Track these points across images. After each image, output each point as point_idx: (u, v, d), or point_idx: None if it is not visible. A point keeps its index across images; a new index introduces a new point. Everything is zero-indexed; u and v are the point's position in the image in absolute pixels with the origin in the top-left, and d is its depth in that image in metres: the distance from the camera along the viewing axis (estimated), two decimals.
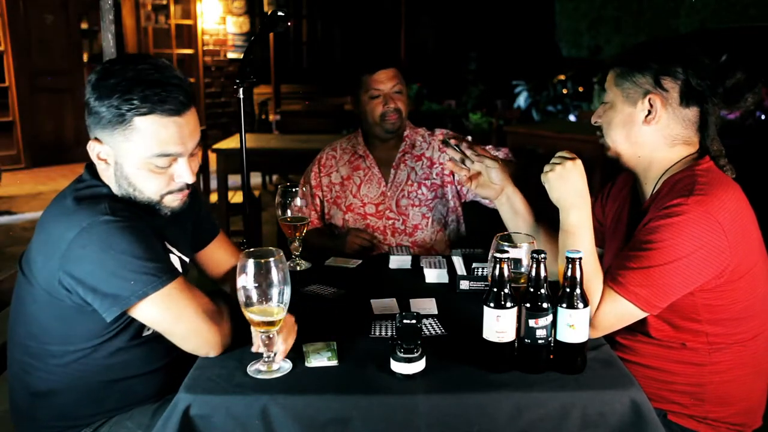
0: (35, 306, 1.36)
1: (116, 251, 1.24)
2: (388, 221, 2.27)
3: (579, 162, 1.45)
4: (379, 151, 2.33)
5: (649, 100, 1.44)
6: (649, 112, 1.45)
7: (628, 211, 1.62)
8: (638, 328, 1.46)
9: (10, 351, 1.46)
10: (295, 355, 1.33)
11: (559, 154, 1.52)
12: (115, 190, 1.37)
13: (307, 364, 1.31)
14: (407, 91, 2.30)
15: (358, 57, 2.30)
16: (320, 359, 1.32)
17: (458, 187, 2.31)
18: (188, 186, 1.38)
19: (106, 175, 1.37)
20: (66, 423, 1.43)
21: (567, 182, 1.41)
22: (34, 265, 1.33)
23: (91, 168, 1.40)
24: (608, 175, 1.62)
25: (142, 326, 1.39)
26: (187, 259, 1.54)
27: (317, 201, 2.34)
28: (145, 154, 1.30)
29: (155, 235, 1.36)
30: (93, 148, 1.34)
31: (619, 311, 1.36)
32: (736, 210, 1.36)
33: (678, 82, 1.42)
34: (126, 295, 1.25)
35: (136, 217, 1.33)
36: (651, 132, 1.46)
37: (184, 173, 1.35)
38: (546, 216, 1.70)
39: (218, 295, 1.48)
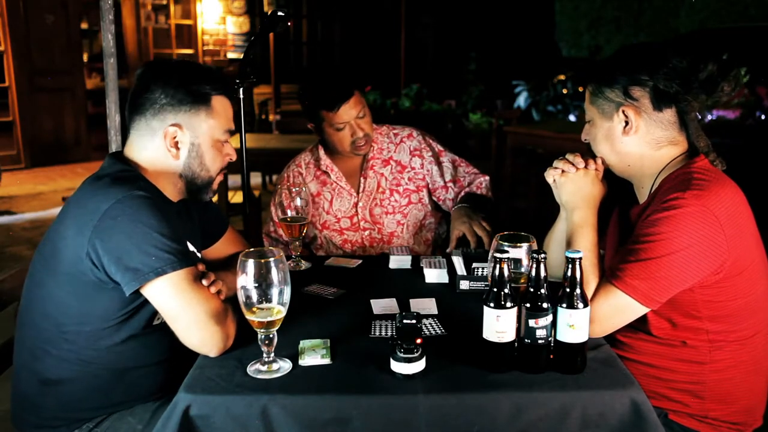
0: (54, 285, 1.40)
1: (144, 224, 1.31)
2: (364, 232, 2.22)
3: (591, 171, 1.53)
4: (343, 163, 2.24)
5: (623, 112, 1.46)
6: (627, 123, 1.47)
7: (627, 214, 1.62)
8: (639, 326, 1.47)
9: (19, 339, 1.49)
10: (293, 353, 1.34)
11: (568, 156, 1.54)
12: (172, 172, 1.49)
13: (301, 362, 1.32)
14: (367, 104, 2.17)
15: (314, 91, 2.15)
16: (314, 357, 1.32)
17: (443, 193, 2.24)
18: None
19: (167, 162, 1.47)
20: (71, 415, 1.45)
21: (577, 188, 1.52)
22: (63, 241, 1.37)
23: (116, 155, 1.49)
24: (608, 176, 1.62)
25: (153, 315, 1.42)
26: (198, 254, 1.58)
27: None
28: (219, 130, 1.50)
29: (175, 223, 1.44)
30: (171, 134, 1.45)
31: (615, 303, 1.37)
32: (733, 206, 1.37)
33: (646, 89, 1.44)
34: (146, 270, 1.30)
35: (162, 201, 1.44)
36: (633, 141, 1.48)
37: (232, 151, 1.56)
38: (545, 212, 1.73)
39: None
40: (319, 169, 2.25)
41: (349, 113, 2.09)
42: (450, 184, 2.24)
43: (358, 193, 2.22)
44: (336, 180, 2.23)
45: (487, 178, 2.26)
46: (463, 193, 2.23)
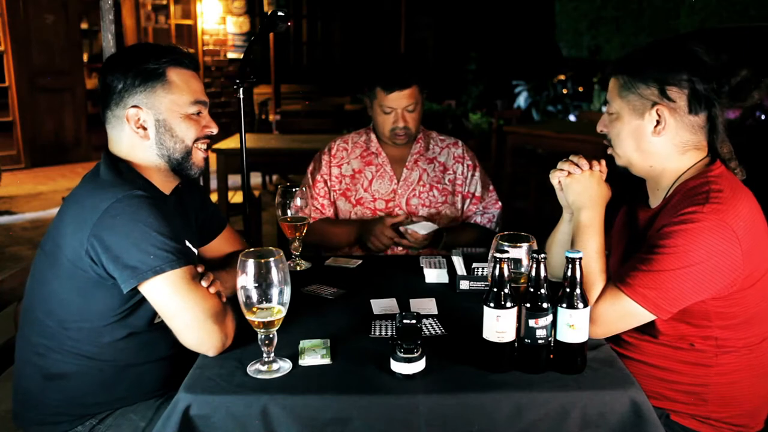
0: (56, 282, 1.40)
1: (143, 224, 1.32)
2: None
3: (596, 172, 1.51)
4: (391, 150, 2.33)
5: (657, 111, 1.42)
6: (658, 122, 1.42)
7: (635, 214, 1.61)
8: (645, 328, 1.45)
9: (22, 335, 1.49)
10: (293, 353, 1.34)
11: (572, 158, 1.53)
12: (151, 155, 1.47)
13: (301, 362, 1.32)
14: (423, 102, 2.25)
15: (377, 66, 2.25)
16: (314, 357, 1.32)
17: (465, 202, 2.33)
18: (209, 146, 1.58)
19: (141, 146, 1.47)
20: (74, 411, 1.46)
21: (583, 188, 1.50)
22: (63, 238, 1.37)
23: (110, 154, 1.49)
24: (616, 176, 1.61)
25: (154, 314, 1.42)
26: (195, 251, 1.59)
27: (324, 188, 2.31)
28: (184, 104, 1.47)
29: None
30: (133, 116, 1.44)
31: (622, 309, 1.36)
32: (750, 217, 1.35)
33: (684, 90, 1.40)
34: (144, 268, 1.30)
35: (159, 198, 1.45)
36: (661, 142, 1.44)
37: (211, 122, 1.54)
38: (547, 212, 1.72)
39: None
40: (366, 150, 2.34)
41: (400, 102, 2.18)
42: (469, 197, 2.34)
43: (399, 180, 2.29)
44: (381, 163, 2.31)
45: (500, 206, 2.37)
46: (470, 220, 2.34)
